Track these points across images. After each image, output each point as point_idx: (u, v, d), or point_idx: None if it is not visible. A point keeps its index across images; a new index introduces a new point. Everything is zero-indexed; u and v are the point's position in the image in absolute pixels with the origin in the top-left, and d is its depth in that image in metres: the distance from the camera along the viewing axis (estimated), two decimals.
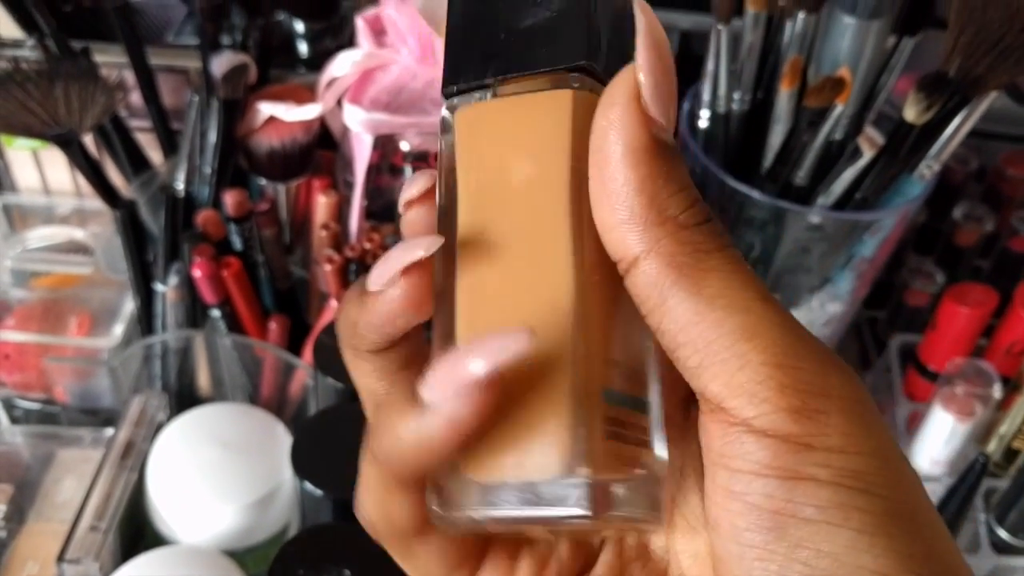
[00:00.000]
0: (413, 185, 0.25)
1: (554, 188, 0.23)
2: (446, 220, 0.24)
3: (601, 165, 0.21)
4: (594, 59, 0.23)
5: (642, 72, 0.21)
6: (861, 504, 0.20)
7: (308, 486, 0.59)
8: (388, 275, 0.23)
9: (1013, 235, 0.88)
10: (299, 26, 0.90)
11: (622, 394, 0.22)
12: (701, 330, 0.21)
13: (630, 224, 0.21)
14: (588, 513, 0.21)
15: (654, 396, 0.24)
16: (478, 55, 0.24)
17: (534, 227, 0.23)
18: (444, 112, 0.25)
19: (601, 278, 0.22)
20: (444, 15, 0.25)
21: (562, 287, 0.22)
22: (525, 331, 0.21)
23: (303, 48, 0.92)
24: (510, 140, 0.24)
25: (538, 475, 0.21)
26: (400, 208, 0.25)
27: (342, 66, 0.71)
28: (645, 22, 0.21)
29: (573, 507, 0.21)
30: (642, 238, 0.21)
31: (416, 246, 0.23)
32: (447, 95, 0.25)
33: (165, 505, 0.65)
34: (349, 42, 0.90)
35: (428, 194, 0.25)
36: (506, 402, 0.21)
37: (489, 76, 0.24)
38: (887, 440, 0.21)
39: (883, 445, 0.21)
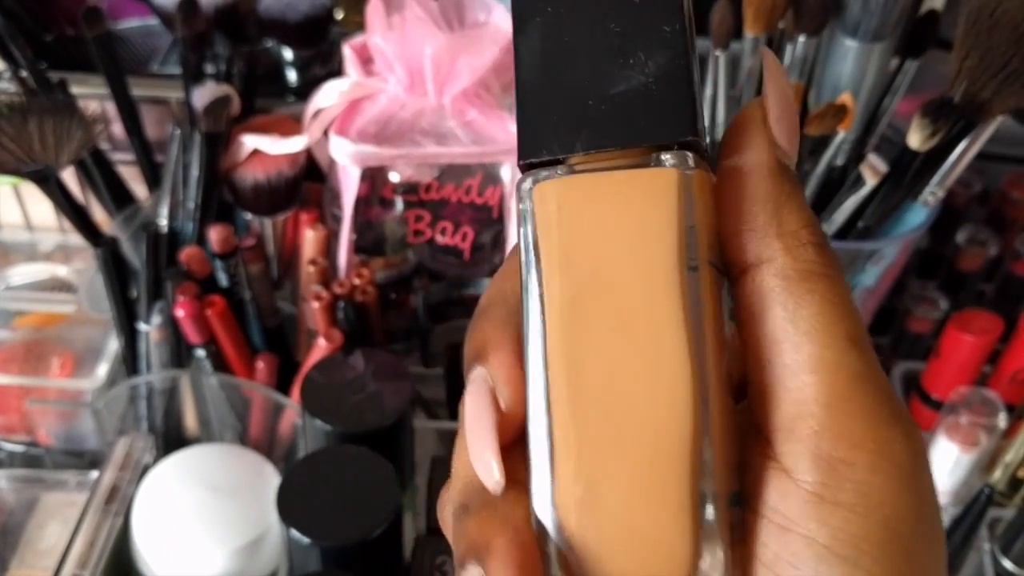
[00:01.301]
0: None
1: (663, 286, 0.21)
2: (527, 320, 0.22)
3: (732, 176, 0.22)
4: (697, 133, 0.21)
5: (770, 103, 0.22)
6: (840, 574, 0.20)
7: (295, 533, 0.57)
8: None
9: (1017, 259, 0.86)
10: (287, 53, 0.89)
11: (737, 495, 0.22)
12: (783, 349, 0.21)
13: (752, 232, 0.22)
14: None
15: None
16: (561, 122, 0.21)
17: (646, 326, 0.21)
18: (523, 186, 0.22)
19: (716, 373, 0.21)
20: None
21: (681, 388, 0.21)
22: None
23: (291, 76, 0.90)
24: (606, 227, 0.21)
25: None
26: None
27: (328, 96, 0.69)
28: (772, 65, 0.23)
29: None
30: (760, 246, 0.22)
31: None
32: (524, 168, 0.22)
33: (151, 550, 0.63)
34: (339, 69, 0.89)
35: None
36: (628, 524, 0.20)
37: (579, 149, 0.21)
38: (908, 513, 0.20)
39: (900, 516, 0.20)
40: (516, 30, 0.22)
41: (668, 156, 0.21)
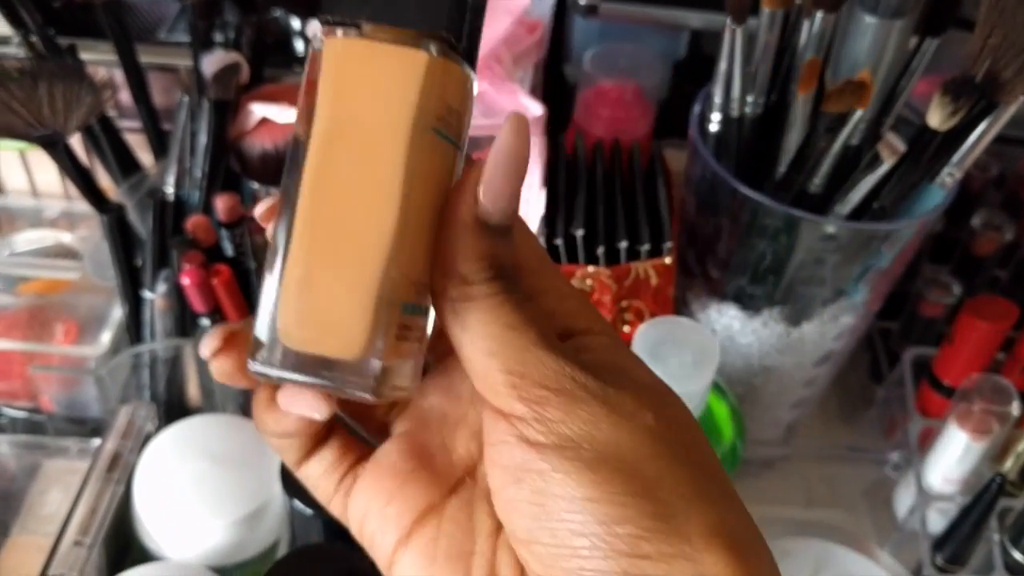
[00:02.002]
0: (262, 205, 0.31)
1: (398, 134, 0.27)
2: (301, 140, 0.28)
3: (442, 227, 0.29)
4: (454, 31, 0.27)
5: (487, 165, 0.28)
6: (570, 456, 0.27)
7: (298, 504, 0.56)
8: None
9: None
10: (295, 23, 0.88)
11: (414, 305, 0.29)
12: (468, 353, 0.29)
13: (436, 270, 0.29)
14: (372, 396, 0.28)
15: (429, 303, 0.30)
16: None
17: (375, 165, 0.27)
18: (315, 36, 0.28)
19: (419, 216, 0.28)
20: None
21: (388, 219, 0.27)
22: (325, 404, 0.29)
23: (299, 46, 0.89)
24: (368, 82, 0.27)
25: (340, 355, 0.27)
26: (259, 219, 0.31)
27: None
28: (508, 130, 0.28)
29: (363, 390, 0.28)
30: (437, 282, 0.29)
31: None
32: (322, 22, 0.28)
33: (152, 519, 0.63)
34: None
35: (271, 213, 0.30)
36: (327, 291, 0.27)
37: (365, 18, 0.27)
38: (607, 413, 0.28)
39: (601, 415, 0.28)
40: None
41: (429, 43, 0.27)
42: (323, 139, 0.27)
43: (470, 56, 0.29)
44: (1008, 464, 0.77)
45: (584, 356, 0.29)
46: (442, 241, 0.28)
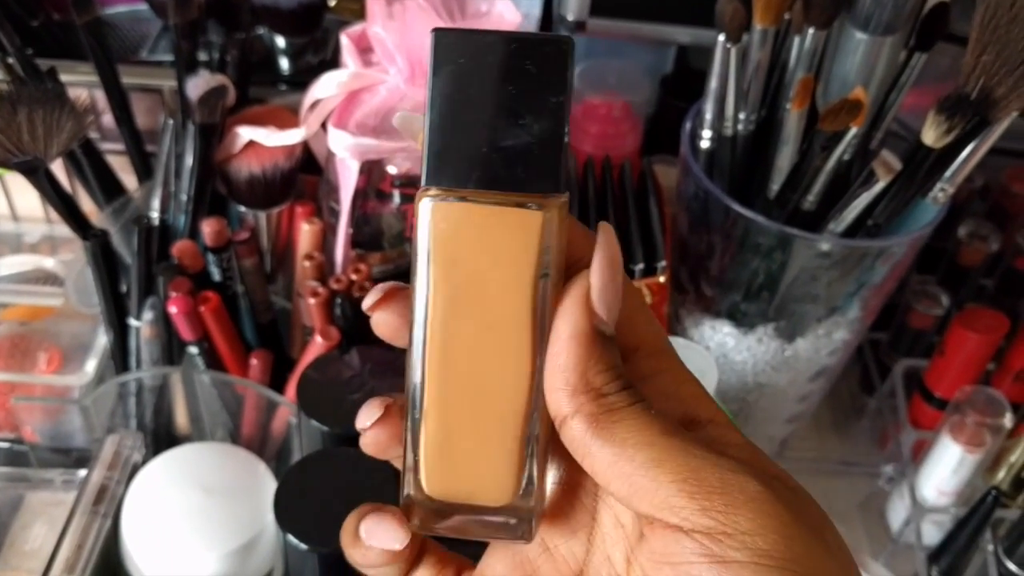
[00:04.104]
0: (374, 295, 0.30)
1: (521, 293, 0.28)
2: (416, 300, 0.28)
3: (553, 342, 0.28)
4: (559, 189, 0.28)
5: (594, 278, 0.28)
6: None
7: (292, 539, 0.55)
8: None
9: (1018, 254, 0.85)
10: (280, 41, 0.87)
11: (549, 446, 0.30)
12: (620, 467, 0.27)
13: (564, 391, 0.28)
14: (525, 540, 0.30)
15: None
16: (460, 161, 0.28)
17: (503, 326, 0.28)
18: (423, 203, 0.28)
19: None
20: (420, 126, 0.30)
21: (524, 375, 0.28)
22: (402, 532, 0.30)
23: (284, 64, 0.88)
24: (483, 246, 0.28)
25: (492, 502, 0.29)
26: (365, 309, 0.31)
27: (326, 87, 0.67)
28: (605, 241, 0.28)
29: (517, 534, 0.30)
30: (570, 402, 0.28)
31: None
32: (426, 190, 0.28)
33: (141, 553, 0.62)
34: (332, 58, 0.87)
35: (390, 296, 0.30)
36: (472, 450, 0.29)
37: (471, 185, 0.28)
38: (793, 521, 0.26)
39: (790, 523, 0.26)
40: (432, 73, 0.28)
41: (534, 204, 0.28)
42: (446, 304, 0.28)
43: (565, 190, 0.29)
44: (1001, 475, 0.77)
45: (731, 452, 0.28)
46: (567, 359, 0.28)
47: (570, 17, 0.81)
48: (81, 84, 0.76)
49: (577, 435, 0.28)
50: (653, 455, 0.27)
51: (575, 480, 0.31)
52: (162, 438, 0.72)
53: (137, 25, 0.92)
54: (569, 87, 0.28)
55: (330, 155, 0.69)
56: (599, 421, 0.27)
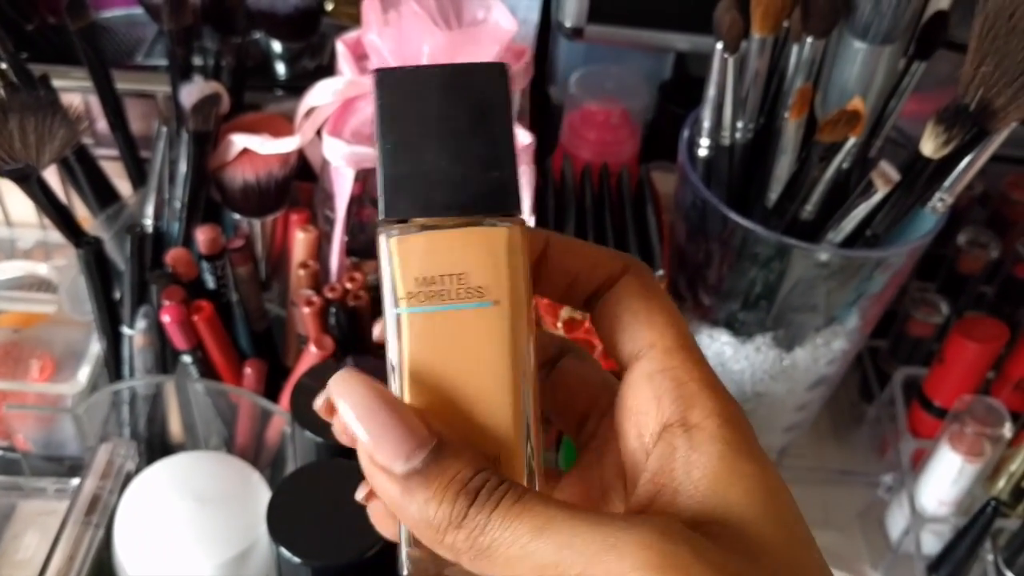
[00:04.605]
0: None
1: (500, 312, 0.28)
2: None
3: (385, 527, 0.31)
4: (519, 208, 0.29)
5: (356, 432, 0.28)
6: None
7: (285, 553, 0.55)
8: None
9: (1018, 262, 0.85)
10: (276, 46, 0.87)
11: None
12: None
13: (433, 551, 0.28)
14: None
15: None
16: (417, 189, 0.28)
17: (480, 341, 0.28)
18: (382, 238, 0.28)
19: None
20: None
21: (504, 365, 0.29)
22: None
23: (280, 69, 0.88)
24: (454, 268, 0.28)
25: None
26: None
27: (321, 95, 0.66)
28: (339, 391, 0.29)
29: None
30: (443, 555, 0.28)
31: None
32: (384, 225, 0.29)
33: (134, 563, 0.61)
34: (329, 63, 0.86)
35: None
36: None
37: (428, 214, 0.28)
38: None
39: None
40: (378, 112, 0.28)
41: (496, 220, 0.28)
42: (417, 330, 0.28)
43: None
44: (1001, 484, 0.77)
45: (714, 449, 0.28)
46: (409, 533, 0.29)
47: (568, 23, 0.81)
48: (75, 89, 0.76)
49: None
50: (538, 541, 0.26)
51: (608, 484, 0.32)
52: (156, 447, 0.71)
53: (133, 29, 0.91)
54: (510, 108, 0.29)
55: (325, 163, 0.69)
56: (478, 559, 0.26)
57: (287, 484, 0.57)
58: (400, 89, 0.28)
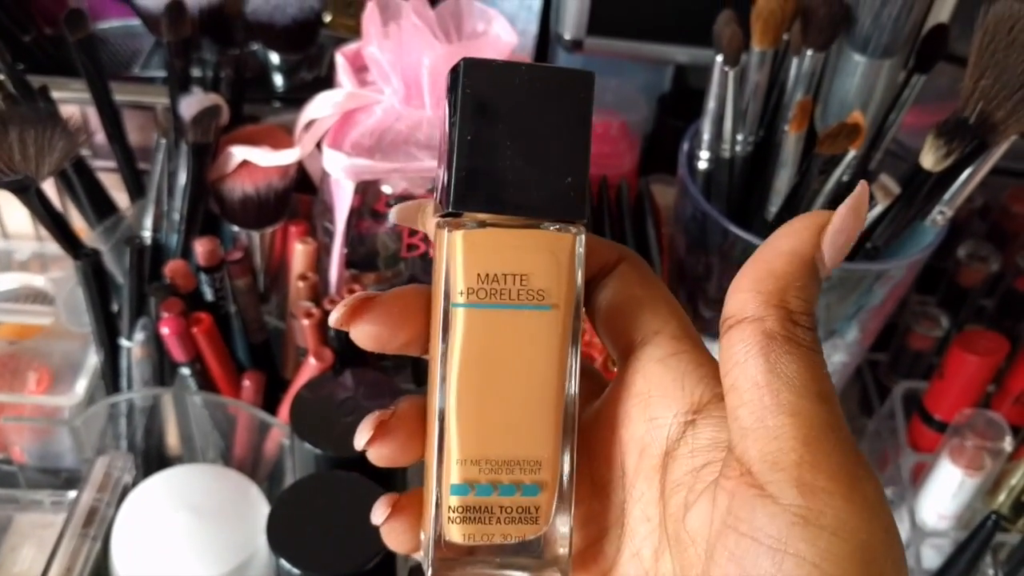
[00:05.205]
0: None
1: (557, 317, 0.28)
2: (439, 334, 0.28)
3: (766, 249, 0.27)
4: (585, 214, 0.29)
5: (836, 217, 0.26)
6: (837, 546, 0.24)
7: (285, 565, 0.55)
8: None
9: (1018, 275, 0.85)
10: (274, 58, 0.86)
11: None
12: (762, 395, 0.25)
13: (755, 294, 0.26)
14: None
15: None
16: (488, 186, 0.28)
17: (535, 341, 0.28)
18: (444, 233, 0.28)
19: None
20: (417, 220, 0.32)
21: (552, 378, 0.29)
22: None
23: (278, 80, 0.88)
24: (514, 269, 0.28)
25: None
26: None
27: (321, 107, 0.66)
28: (859, 197, 0.26)
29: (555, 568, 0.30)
30: (758, 308, 0.26)
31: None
32: (452, 214, 0.28)
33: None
34: (327, 74, 0.86)
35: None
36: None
37: (500, 211, 0.28)
38: (880, 539, 0.24)
39: (873, 542, 0.24)
40: (460, 101, 0.28)
41: (560, 225, 0.28)
42: (474, 319, 0.28)
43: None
44: (1001, 498, 0.77)
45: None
46: (776, 267, 0.26)
47: (567, 36, 0.81)
48: (73, 101, 0.75)
49: (743, 343, 0.26)
50: (798, 404, 0.25)
51: (604, 477, 0.30)
52: (152, 459, 0.71)
53: (130, 40, 0.91)
54: (591, 119, 0.28)
55: (325, 175, 0.68)
56: (773, 343, 0.25)
57: (287, 496, 0.57)
58: (486, 82, 0.28)
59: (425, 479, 0.29)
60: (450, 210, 0.28)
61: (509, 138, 0.28)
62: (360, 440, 0.30)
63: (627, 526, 0.30)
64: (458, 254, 0.28)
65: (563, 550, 0.29)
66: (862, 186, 0.26)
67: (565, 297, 0.28)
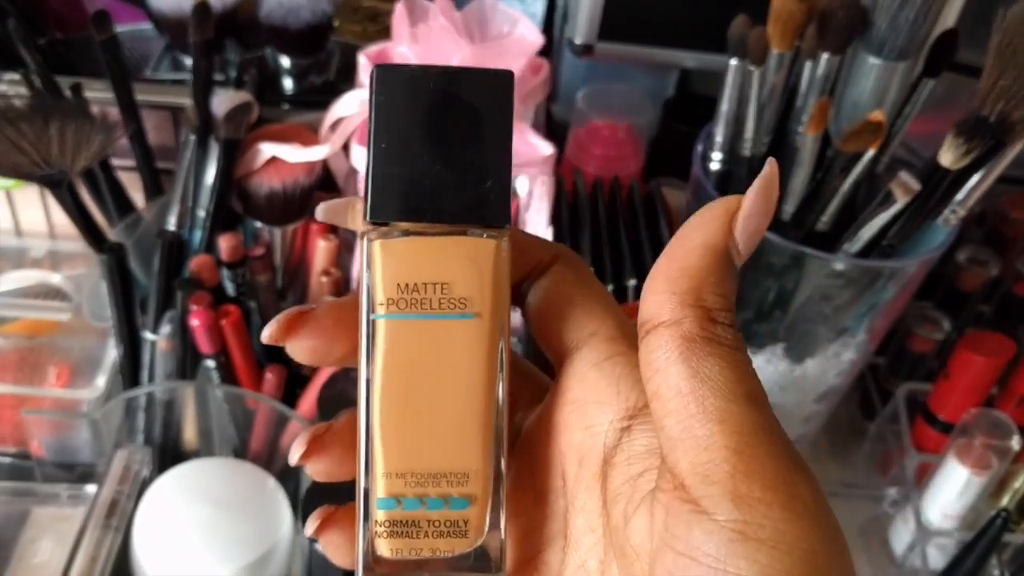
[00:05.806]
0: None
1: (481, 325, 0.28)
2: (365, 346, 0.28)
3: (676, 244, 0.25)
4: (508, 220, 0.28)
5: (746, 201, 0.25)
6: (778, 559, 0.22)
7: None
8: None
9: (1017, 280, 0.86)
10: (284, 61, 0.87)
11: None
12: (687, 403, 0.24)
13: (670, 295, 0.25)
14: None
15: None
16: (406, 194, 0.27)
17: (458, 344, 0.27)
18: (366, 240, 0.27)
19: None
20: (346, 218, 0.31)
21: (479, 380, 0.28)
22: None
23: (288, 84, 0.88)
24: (435, 277, 0.27)
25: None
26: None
27: (349, 105, 0.67)
28: (768, 173, 0.25)
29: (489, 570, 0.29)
30: (673, 311, 0.25)
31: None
32: (373, 225, 0.27)
33: (153, 568, 0.61)
34: (335, 79, 0.87)
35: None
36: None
37: (420, 219, 0.27)
38: (822, 548, 0.23)
39: (815, 551, 0.23)
40: (374, 108, 0.27)
41: (484, 231, 0.27)
42: (391, 336, 0.28)
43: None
44: (1007, 499, 0.78)
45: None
46: (688, 263, 0.25)
47: (578, 40, 0.82)
48: (92, 101, 0.76)
49: (662, 349, 0.25)
50: (726, 409, 0.24)
51: (546, 486, 0.29)
52: (168, 453, 0.71)
53: (140, 44, 0.92)
54: (511, 119, 0.28)
55: (350, 172, 0.69)
56: (694, 346, 0.24)
57: (317, 484, 0.57)
58: (399, 88, 0.27)
59: (356, 493, 0.29)
60: (367, 219, 0.27)
61: (426, 144, 0.27)
62: (294, 455, 0.29)
63: (571, 537, 0.29)
64: (377, 264, 0.27)
65: (498, 563, 0.28)
66: (771, 164, 0.25)
67: (489, 305, 0.27)
